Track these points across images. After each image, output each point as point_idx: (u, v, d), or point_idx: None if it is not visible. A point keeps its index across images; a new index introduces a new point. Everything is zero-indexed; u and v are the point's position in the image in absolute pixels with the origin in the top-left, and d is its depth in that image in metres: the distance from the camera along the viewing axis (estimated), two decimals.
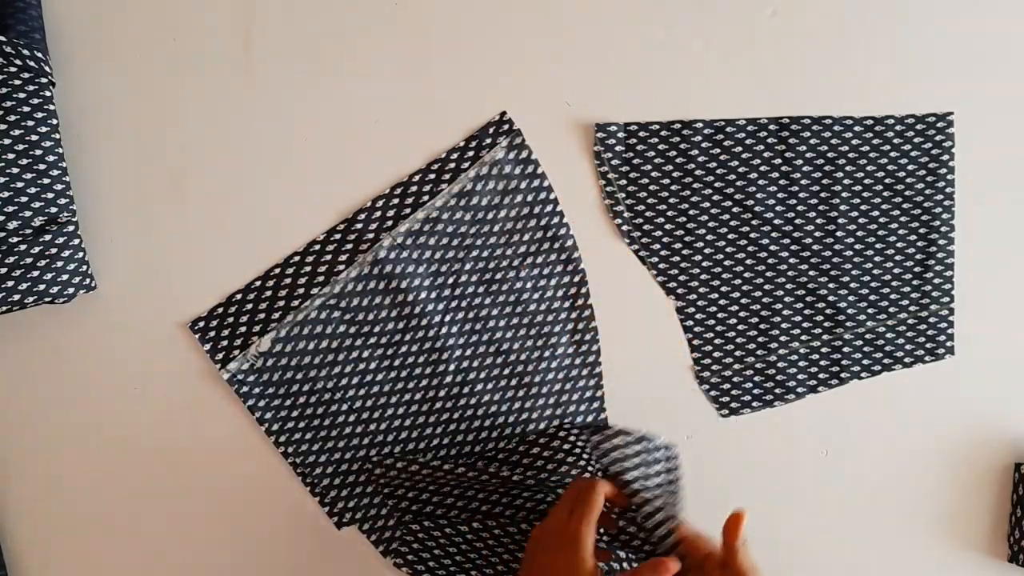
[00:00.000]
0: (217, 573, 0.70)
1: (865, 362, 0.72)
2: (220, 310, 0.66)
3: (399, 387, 0.69)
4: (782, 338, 0.71)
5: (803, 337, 0.72)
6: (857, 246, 0.71)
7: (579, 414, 0.70)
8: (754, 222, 0.71)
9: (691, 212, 0.70)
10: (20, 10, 0.61)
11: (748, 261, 0.71)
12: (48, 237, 0.61)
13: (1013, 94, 0.72)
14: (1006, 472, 0.73)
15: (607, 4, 0.69)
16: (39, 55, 0.61)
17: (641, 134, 0.69)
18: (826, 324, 0.72)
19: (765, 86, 0.70)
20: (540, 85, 0.69)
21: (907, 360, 0.72)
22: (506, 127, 0.68)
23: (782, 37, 0.70)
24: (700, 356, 0.72)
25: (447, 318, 0.68)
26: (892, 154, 0.71)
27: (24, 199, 0.60)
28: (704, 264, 0.71)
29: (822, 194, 0.71)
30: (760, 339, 0.72)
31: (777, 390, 0.72)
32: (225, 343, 0.66)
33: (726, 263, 0.71)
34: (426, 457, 0.68)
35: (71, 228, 0.62)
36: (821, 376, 0.72)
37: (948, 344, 0.72)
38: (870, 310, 0.72)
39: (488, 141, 0.68)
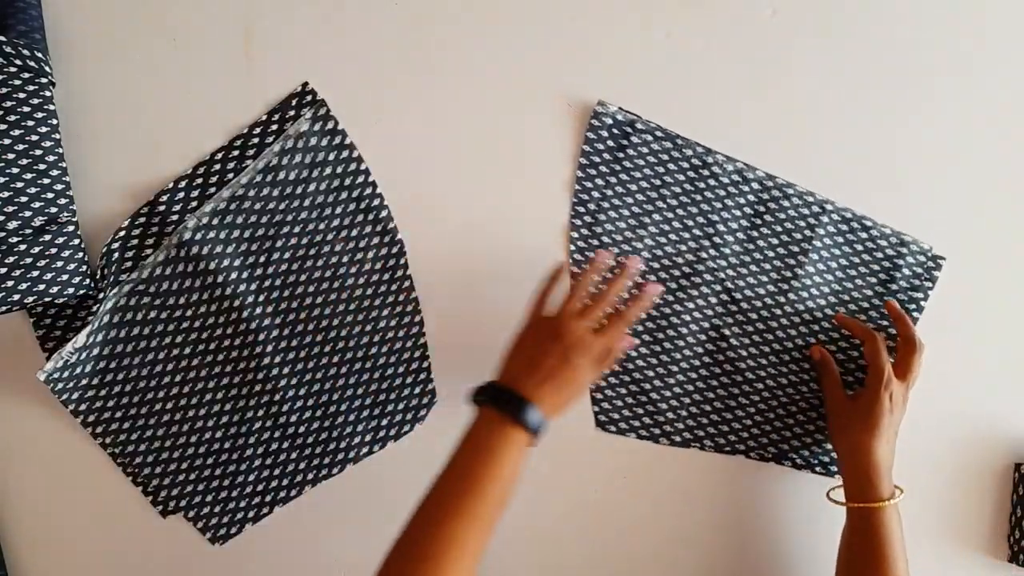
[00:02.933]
0: (218, 572, 0.70)
1: (752, 443, 0.71)
2: (39, 310, 0.65)
3: (216, 371, 0.67)
4: (679, 377, 0.70)
5: (700, 384, 0.70)
6: (790, 330, 0.70)
7: (406, 386, 0.69)
8: (702, 255, 0.69)
9: (650, 221, 0.69)
10: (20, 10, 0.61)
11: (679, 294, 0.69)
12: (48, 237, 0.61)
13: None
14: (1006, 472, 0.73)
15: (608, 4, 0.68)
16: (39, 55, 0.61)
17: (639, 126, 0.68)
18: (725, 382, 0.70)
19: (764, 86, 0.70)
20: (541, 79, 0.69)
21: (797, 460, 0.71)
22: (309, 98, 0.66)
23: (782, 37, 0.69)
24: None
25: (261, 298, 0.67)
26: (866, 263, 0.70)
27: (24, 199, 0.60)
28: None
29: (777, 262, 0.69)
30: (659, 370, 0.70)
31: (655, 429, 0.71)
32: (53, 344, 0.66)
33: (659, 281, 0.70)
34: None
35: (71, 228, 0.62)
36: (704, 432, 0.71)
37: (831, 466, 0.71)
38: (772, 389, 0.70)
39: (292, 113, 0.66)
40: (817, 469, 0.71)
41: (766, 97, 0.70)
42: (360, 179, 0.67)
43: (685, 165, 0.69)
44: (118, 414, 0.66)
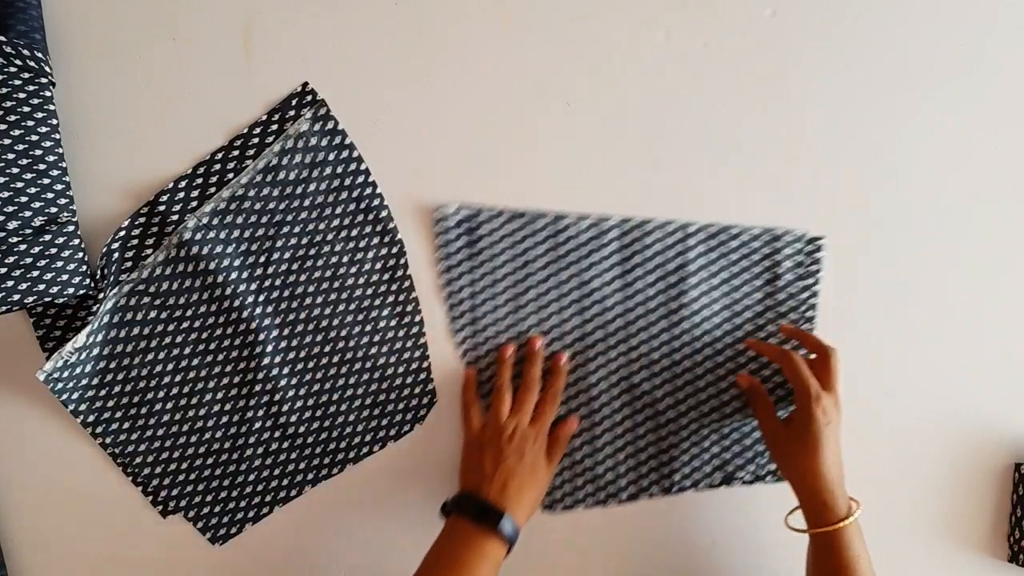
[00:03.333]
0: (218, 572, 0.70)
1: (696, 476, 0.71)
2: (39, 310, 0.65)
3: (216, 371, 0.67)
4: (606, 436, 0.70)
5: (628, 436, 0.70)
6: (696, 357, 0.70)
7: (406, 386, 0.69)
8: (586, 315, 0.69)
9: (527, 299, 0.69)
10: (20, 10, 0.61)
11: (578, 357, 0.69)
12: (48, 237, 0.61)
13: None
14: (1006, 472, 0.73)
15: (608, 4, 0.68)
16: (39, 55, 0.61)
17: (484, 215, 0.68)
18: (651, 426, 0.70)
19: (764, 86, 0.70)
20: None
21: (745, 477, 0.71)
22: (309, 98, 0.66)
23: (782, 37, 0.69)
24: None
25: (261, 298, 0.67)
26: (746, 268, 0.70)
27: (24, 199, 0.60)
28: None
29: (660, 298, 0.69)
30: (584, 436, 0.70)
31: (599, 494, 0.71)
32: (52, 345, 0.66)
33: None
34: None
35: (71, 228, 0.62)
36: (648, 480, 0.71)
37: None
38: (698, 419, 0.70)
39: (292, 113, 0.66)
40: (767, 479, 0.71)
41: (766, 97, 0.70)
42: (360, 179, 0.67)
43: (541, 236, 0.69)
44: (118, 414, 0.66)
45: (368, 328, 0.68)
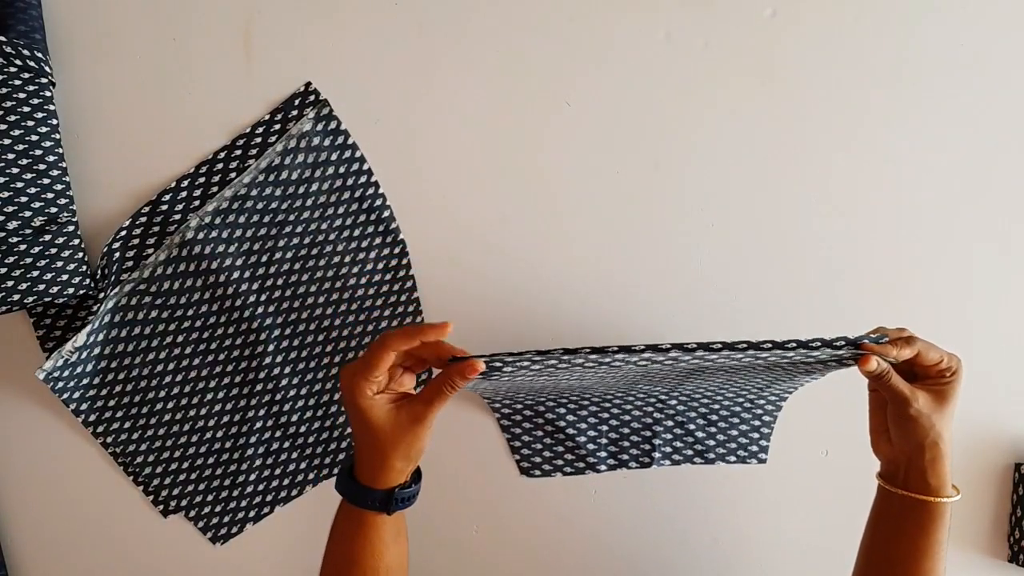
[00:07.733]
0: (218, 572, 0.70)
1: (677, 456, 0.71)
2: (39, 310, 0.65)
3: (217, 371, 0.67)
4: (591, 407, 0.70)
5: (614, 411, 0.71)
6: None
7: None
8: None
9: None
10: (20, 10, 0.61)
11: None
12: (48, 237, 0.61)
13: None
14: (1006, 472, 0.73)
15: (608, 4, 0.68)
16: (39, 55, 0.61)
17: (495, 364, 0.51)
18: (638, 403, 0.71)
19: (764, 86, 0.70)
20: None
21: (729, 459, 0.72)
22: (312, 98, 0.66)
23: (782, 37, 0.69)
24: (510, 412, 0.70)
25: (263, 298, 0.67)
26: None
27: (24, 199, 0.60)
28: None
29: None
30: (569, 404, 0.70)
31: (578, 463, 0.71)
32: (52, 345, 0.66)
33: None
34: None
35: (71, 228, 0.62)
36: (628, 455, 0.71)
37: (760, 453, 0.72)
38: (686, 402, 0.71)
39: (294, 113, 0.66)
40: (751, 462, 0.72)
41: (766, 97, 0.70)
42: (363, 179, 0.67)
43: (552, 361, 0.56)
44: (119, 414, 0.66)
45: (370, 328, 0.68)
